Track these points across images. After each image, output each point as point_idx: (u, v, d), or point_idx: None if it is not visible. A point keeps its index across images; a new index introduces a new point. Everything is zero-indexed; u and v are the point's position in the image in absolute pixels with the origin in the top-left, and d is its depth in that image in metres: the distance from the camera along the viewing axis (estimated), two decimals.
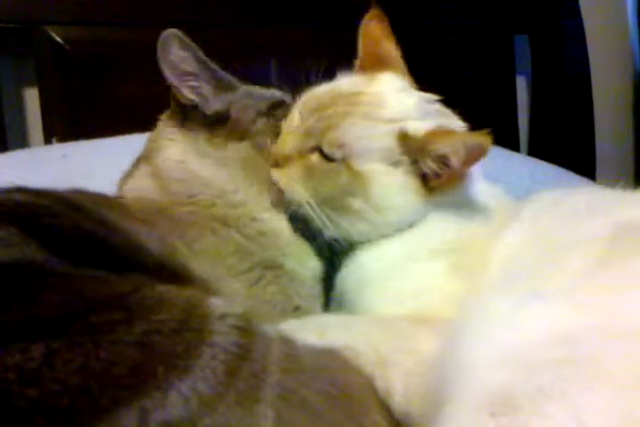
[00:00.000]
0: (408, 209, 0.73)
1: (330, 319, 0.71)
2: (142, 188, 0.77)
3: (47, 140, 1.26)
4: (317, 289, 0.78)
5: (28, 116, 1.35)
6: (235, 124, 0.79)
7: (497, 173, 0.88)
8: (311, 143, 0.73)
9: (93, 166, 0.99)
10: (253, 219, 0.76)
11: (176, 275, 0.56)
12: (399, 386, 0.58)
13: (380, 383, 0.59)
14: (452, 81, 1.32)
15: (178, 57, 0.76)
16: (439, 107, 0.77)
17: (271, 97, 0.84)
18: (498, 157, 0.97)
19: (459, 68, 1.60)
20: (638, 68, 1.80)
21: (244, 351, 0.45)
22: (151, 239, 0.61)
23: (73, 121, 1.27)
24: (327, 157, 0.72)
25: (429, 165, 0.70)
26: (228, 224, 0.74)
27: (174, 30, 0.75)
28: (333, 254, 0.78)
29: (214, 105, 0.79)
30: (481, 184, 0.78)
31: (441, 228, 0.73)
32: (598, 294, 0.51)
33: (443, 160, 0.69)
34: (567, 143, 1.56)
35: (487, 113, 1.03)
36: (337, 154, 0.71)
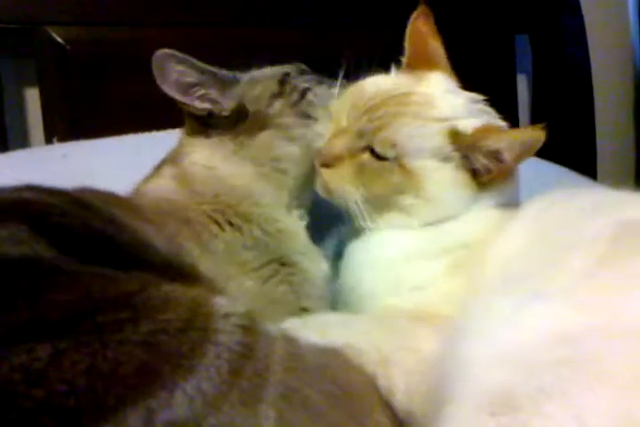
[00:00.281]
0: (459, 203, 0.75)
1: (331, 318, 0.72)
2: (163, 188, 0.78)
3: (48, 140, 1.25)
4: (326, 292, 0.79)
5: (29, 116, 1.35)
6: (255, 115, 0.80)
7: None
8: (363, 143, 0.75)
9: (93, 166, 0.99)
10: (275, 219, 0.78)
11: (182, 273, 0.56)
12: (401, 384, 0.59)
13: (382, 382, 0.59)
14: None
15: (178, 73, 0.76)
16: (483, 106, 0.79)
17: (275, 74, 0.84)
18: None
19: (459, 67, 1.59)
20: (639, 66, 1.80)
21: (248, 350, 0.45)
22: (158, 238, 0.61)
23: (73, 121, 1.27)
24: (379, 157, 0.74)
25: (481, 161, 0.72)
26: (250, 221, 0.76)
27: (164, 50, 0.76)
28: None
29: (228, 104, 0.80)
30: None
31: (473, 222, 0.75)
32: (599, 294, 0.52)
33: (495, 155, 0.71)
34: (568, 142, 1.55)
35: None
36: (389, 153, 0.73)
